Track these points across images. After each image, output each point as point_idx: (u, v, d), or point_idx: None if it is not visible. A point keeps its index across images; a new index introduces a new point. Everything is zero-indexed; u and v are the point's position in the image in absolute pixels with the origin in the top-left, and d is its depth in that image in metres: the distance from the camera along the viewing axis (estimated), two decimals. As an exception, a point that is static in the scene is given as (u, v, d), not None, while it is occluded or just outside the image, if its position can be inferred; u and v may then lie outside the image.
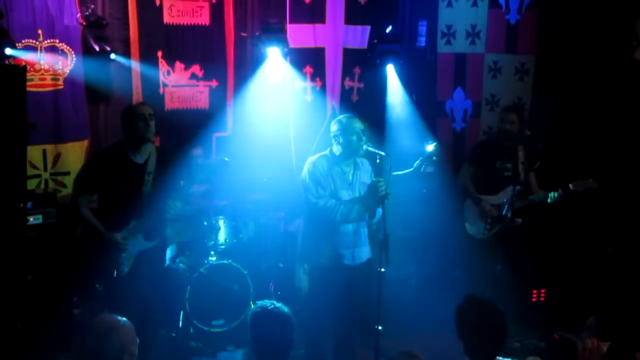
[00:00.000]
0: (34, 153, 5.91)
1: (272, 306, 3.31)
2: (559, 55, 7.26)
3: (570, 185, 5.78)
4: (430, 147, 6.08)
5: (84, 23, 6.08)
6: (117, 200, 4.64)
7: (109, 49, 6.12)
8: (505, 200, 5.91)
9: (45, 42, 5.94)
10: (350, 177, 4.88)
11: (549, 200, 5.76)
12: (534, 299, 6.82)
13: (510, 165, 5.97)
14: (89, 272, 5.10)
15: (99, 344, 2.89)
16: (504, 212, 5.91)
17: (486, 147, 6.12)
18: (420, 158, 6.08)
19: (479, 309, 3.12)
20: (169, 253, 6.19)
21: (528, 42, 7.52)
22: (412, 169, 6.14)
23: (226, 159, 6.53)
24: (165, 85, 6.79)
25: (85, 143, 6.27)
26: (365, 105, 7.64)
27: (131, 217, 4.66)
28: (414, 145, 7.18)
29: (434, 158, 6.06)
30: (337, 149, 4.86)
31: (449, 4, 7.58)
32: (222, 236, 6.21)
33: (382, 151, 4.83)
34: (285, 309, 3.31)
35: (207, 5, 6.88)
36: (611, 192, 6.81)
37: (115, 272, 4.63)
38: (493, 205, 5.94)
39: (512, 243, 6.11)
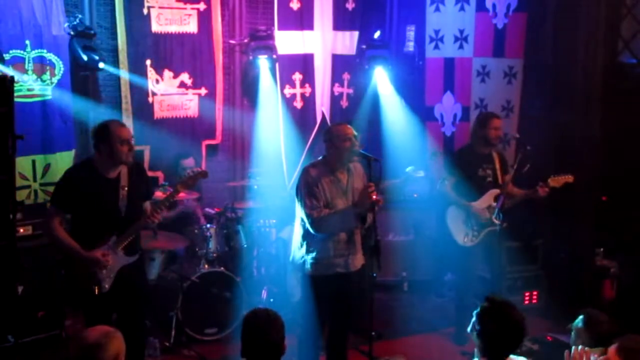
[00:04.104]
0: (23, 164, 5.87)
1: (264, 310, 3.39)
2: (547, 57, 7.29)
3: (549, 181, 5.83)
4: (414, 172, 6.14)
5: (72, 33, 6.07)
6: (94, 217, 4.51)
7: (97, 58, 6.10)
8: (494, 204, 5.93)
9: (33, 52, 5.92)
10: (345, 185, 4.87)
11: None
12: (526, 302, 6.85)
13: (490, 171, 6.00)
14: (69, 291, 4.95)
15: (95, 351, 2.88)
16: (494, 216, 5.92)
17: (465, 156, 6.11)
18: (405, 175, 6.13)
19: (500, 311, 3.19)
20: (160, 262, 6.18)
21: (516, 45, 7.54)
22: (401, 179, 6.20)
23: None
24: (154, 93, 6.79)
25: (73, 153, 6.24)
26: (355, 111, 7.67)
27: (110, 233, 4.54)
28: (405, 149, 7.21)
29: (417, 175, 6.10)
30: (330, 157, 4.85)
31: (437, 9, 7.60)
32: (213, 244, 6.19)
33: (372, 156, 4.84)
34: (277, 313, 3.34)
35: (195, 13, 6.89)
36: (601, 194, 6.83)
37: (95, 290, 4.55)
38: (483, 209, 5.95)
39: (499, 246, 6.14)
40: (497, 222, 5.93)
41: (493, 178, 5.99)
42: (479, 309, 3.25)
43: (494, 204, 5.92)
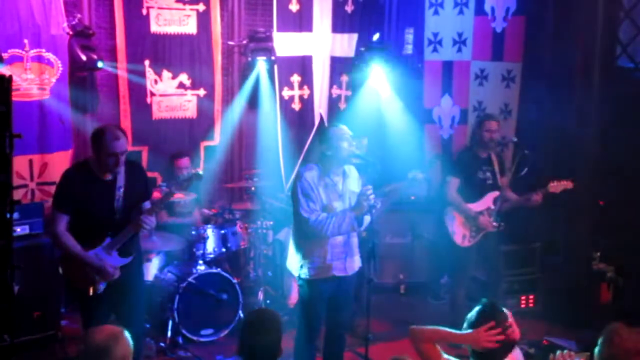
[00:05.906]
0: (20, 163, 5.87)
1: (262, 310, 3.42)
2: (545, 61, 7.30)
3: (549, 187, 5.86)
4: (419, 176, 6.14)
5: (71, 32, 6.07)
6: (89, 218, 4.49)
7: (95, 58, 6.10)
8: (492, 207, 5.96)
9: (32, 51, 5.92)
10: (341, 187, 4.86)
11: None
12: (522, 305, 6.85)
13: (489, 173, 6.03)
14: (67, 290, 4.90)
15: (101, 354, 2.85)
16: (492, 219, 5.94)
17: (466, 158, 6.14)
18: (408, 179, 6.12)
19: (492, 318, 3.20)
20: (157, 263, 6.18)
21: (514, 49, 7.55)
22: (404, 182, 6.19)
23: None
24: (152, 94, 6.80)
25: (70, 153, 6.24)
26: (353, 113, 7.66)
27: (105, 234, 4.52)
28: (403, 152, 7.21)
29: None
30: (327, 159, 4.83)
31: (435, 12, 7.60)
32: (210, 245, 6.19)
33: (370, 158, 4.84)
34: (276, 314, 3.37)
35: (194, 14, 6.90)
36: (598, 198, 6.84)
37: (90, 290, 4.52)
38: (478, 212, 5.97)
39: (496, 249, 6.15)
40: (495, 224, 5.96)
41: (493, 180, 6.02)
42: (479, 317, 3.24)
43: (493, 207, 5.95)
